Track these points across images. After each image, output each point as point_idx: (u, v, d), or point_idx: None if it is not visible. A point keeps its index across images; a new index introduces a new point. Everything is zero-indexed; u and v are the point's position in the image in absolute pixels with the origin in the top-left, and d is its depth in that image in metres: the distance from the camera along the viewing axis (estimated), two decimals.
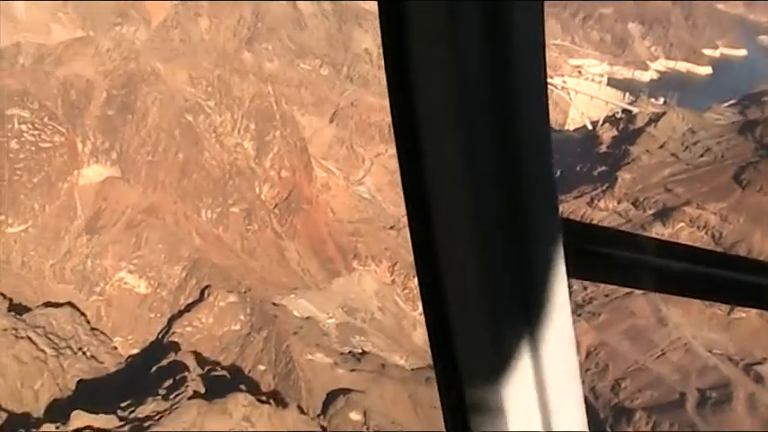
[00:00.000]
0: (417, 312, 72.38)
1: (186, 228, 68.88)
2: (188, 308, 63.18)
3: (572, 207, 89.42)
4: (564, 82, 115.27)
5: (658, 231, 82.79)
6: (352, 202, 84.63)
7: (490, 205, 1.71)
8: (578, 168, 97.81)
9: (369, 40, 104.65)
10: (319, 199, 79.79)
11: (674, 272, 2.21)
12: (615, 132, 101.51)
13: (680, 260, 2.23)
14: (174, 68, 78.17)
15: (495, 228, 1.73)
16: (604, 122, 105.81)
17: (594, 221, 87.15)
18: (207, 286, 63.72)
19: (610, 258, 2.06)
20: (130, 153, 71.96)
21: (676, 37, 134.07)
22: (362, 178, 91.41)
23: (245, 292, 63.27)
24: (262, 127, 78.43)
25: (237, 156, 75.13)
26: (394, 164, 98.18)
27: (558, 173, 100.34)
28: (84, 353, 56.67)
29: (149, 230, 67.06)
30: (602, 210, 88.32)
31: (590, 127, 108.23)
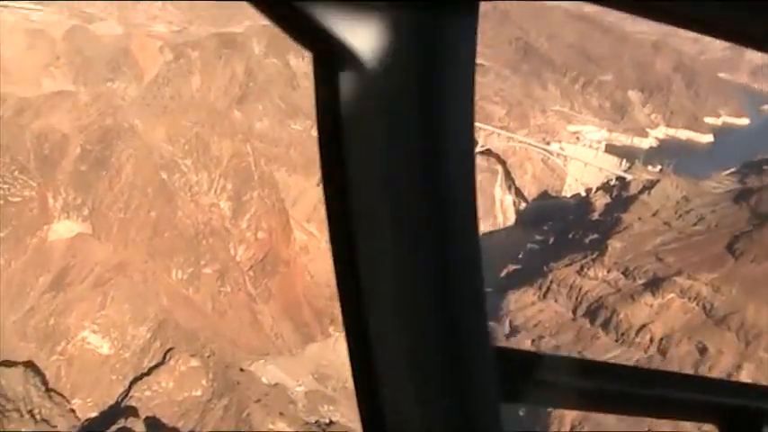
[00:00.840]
0: None
1: (154, 287, 67.30)
2: (150, 371, 61.31)
3: (561, 275, 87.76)
4: (561, 148, 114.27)
5: (648, 301, 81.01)
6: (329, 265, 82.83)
7: (423, 337, 1.71)
8: (570, 236, 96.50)
9: None
10: (297, 261, 78.20)
11: (609, 392, 2.33)
12: (608, 199, 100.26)
13: (612, 380, 2.36)
14: (153, 125, 77.41)
15: (428, 359, 1.74)
16: (598, 189, 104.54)
17: (584, 290, 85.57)
18: (170, 349, 61.93)
19: (542, 383, 2.13)
20: (102, 209, 70.83)
21: (677, 104, 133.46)
22: None
23: (208, 357, 61.38)
24: (239, 187, 77.25)
25: (213, 215, 73.85)
26: None
27: (551, 240, 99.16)
28: (33, 416, 54.68)
29: (116, 289, 65.50)
30: (592, 278, 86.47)
31: (583, 194, 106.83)
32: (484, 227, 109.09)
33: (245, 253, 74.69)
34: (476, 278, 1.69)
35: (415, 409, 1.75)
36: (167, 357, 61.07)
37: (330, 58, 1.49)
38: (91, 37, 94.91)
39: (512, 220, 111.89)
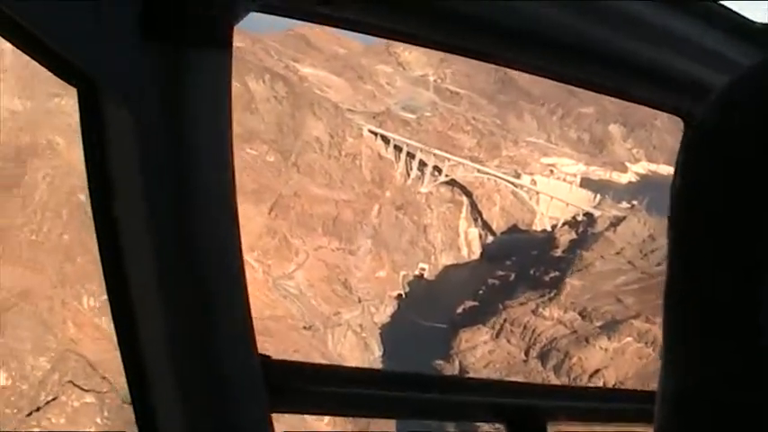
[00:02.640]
0: (324, 421, 66.33)
1: (61, 315, 63.37)
2: (38, 408, 57.35)
3: (516, 314, 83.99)
4: (533, 181, 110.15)
5: (603, 345, 77.25)
6: (270, 297, 79.14)
7: (190, 346, 1.84)
8: (531, 272, 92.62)
9: (321, 128, 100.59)
10: None
11: (391, 398, 2.47)
12: (574, 236, 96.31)
13: (395, 387, 2.52)
14: (75, 143, 73.73)
15: (196, 367, 1.87)
16: (564, 224, 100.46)
17: (538, 331, 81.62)
18: (68, 382, 58.02)
19: (308, 392, 2.26)
20: (13, 231, 67.06)
21: (660, 140, 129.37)
22: (293, 272, 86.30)
23: (105, 392, 57.36)
24: None
25: None
26: (335, 258, 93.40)
27: (512, 276, 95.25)
28: None
29: (19, 316, 61.59)
30: (547, 319, 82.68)
31: (548, 229, 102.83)
32: (446, 260, 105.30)
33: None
34: (239, 292, 1.88)
35: (184, 417, 1.86)
36: (60, 392, 57.26)
37: (92, 93, 1.59)
38: None
39: (477, 253, 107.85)
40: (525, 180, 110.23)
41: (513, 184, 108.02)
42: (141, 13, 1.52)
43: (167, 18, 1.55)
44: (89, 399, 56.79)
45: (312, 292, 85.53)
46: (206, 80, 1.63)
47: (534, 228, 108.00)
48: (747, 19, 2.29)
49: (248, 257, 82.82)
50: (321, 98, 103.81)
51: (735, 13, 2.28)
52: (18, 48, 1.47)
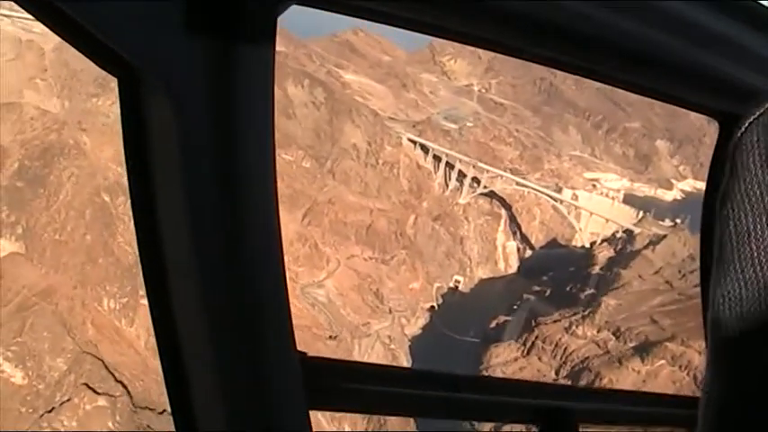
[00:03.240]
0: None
1: (81, 316, 63.10)
2: (52, 409, 57.04)
3: (548, 331, 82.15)
4: (574, 196, 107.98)
5: (636, 367, 75.13)
6: (296, 306, 78.06)
7: (230, 344, 1.84)
8: (567, 289, 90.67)
9: (359, 135, 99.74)
10: None
11: (427, 397, 2.49)
12: (612, 253, 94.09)
13: (431, 386, 2.55)
14: (102, 144, 73.68)
15: (235, 365, 1.87)
16: (603, 241, 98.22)
17: (570, 349, 79.73)
18: (83, 384, 57.65)
19: (344, 389, 2.26)
20: (37, 230, 67.10)
21: (707, 156, 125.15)
22: (323, 280, 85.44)
23: (118, 396, 56.87)
24: None
25: None
26: (367, 268, 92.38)
27: (548, 292, 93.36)
28: None
29: (39, 315, 61.48)
30: (580, 337, 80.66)
31: (587, 245, 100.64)
32: (482, 273, 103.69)
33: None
34: (280, 289, 1.86)
35: (224, 412, 1.88)
36: (74, 394, 56.91)
37: (133, 83, 1.59)
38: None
39: (514, 267, 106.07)
40: (566, 194, 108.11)
41: (552, 198, 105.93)
42: (184, 2, 1.52)
43: (211, 9, 1.55)
44: (102, 402, 56.43)
45: (341, 301, 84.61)
46: (248, 73, 1.63)
47: (574, 243, 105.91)
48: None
49: None
50: (360, 105, 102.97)
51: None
52: (59, 35, 1.47)
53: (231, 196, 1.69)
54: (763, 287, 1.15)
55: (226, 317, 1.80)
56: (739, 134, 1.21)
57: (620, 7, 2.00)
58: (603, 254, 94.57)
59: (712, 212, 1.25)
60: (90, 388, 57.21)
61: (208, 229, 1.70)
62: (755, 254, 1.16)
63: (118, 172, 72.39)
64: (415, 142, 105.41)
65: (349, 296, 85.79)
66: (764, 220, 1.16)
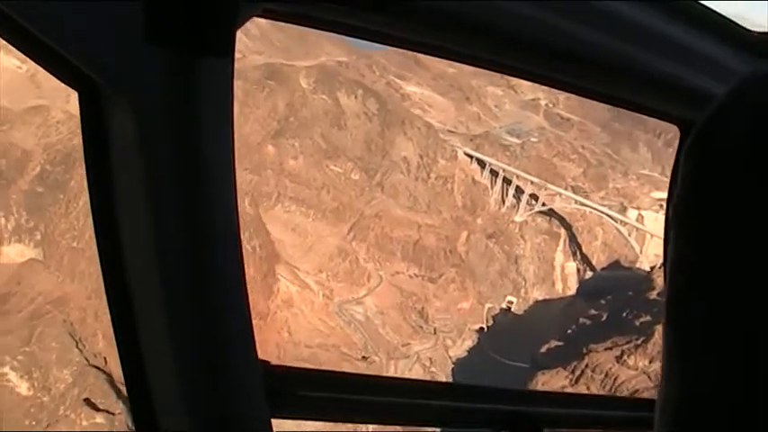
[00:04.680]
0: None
1: (93, 328, 61.09)
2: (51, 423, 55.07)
3: (599, 360, 77.52)
4: (639, 216, 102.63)
5: None
6: (328, 324, 75.21)
7: (191, 352, 1.85)
8: (623, 314, 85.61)
9: (410, 148, 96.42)
10: (276, 315, 70.78)
11: (390, 405, 2.53)
12: None
13: (393, 393, 2.59)
14: None
15: (197, 373, 1.88)
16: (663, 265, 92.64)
17: (620, 380, 75.11)
18: (85, 399, 55.54)
19: (309, 398, 2.29)
20: (55, 236, 65.57)
21: None
22: (362, 297, 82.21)
23: (117, 414, 54.52)
24: None
25: None
26: (412, 285, 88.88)
27: (604, 317, 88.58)
28: None
29: (49, 325, 59.75)
30: (631, 368, 75.80)
31: (647, 269, 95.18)
32: (538, 294, 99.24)
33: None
34: (240, 297, 1.87)
35: (186, 420, 1.88)
36: (72, 409, 54.84)
37: (93, 95, 1.60)
38: None
39: (573, 289, 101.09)
40: (632, 214, 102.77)
41: (612, 218, 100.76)
42: (143, 15, 1.52)
43: (169, 21, 1.55)
44: (99, 419, 54.17)
45: (381, 319, 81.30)
46: (207, 84, 1.64)
47: (637, 266, 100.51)
48: (743, 27, 2.34)
49: (309, 279, 79.60)
50: (414, 117, 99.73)
51: (730, 21, 2.33)
52: (18, 49, 1.47)
53: (193, 207, 1.70)
54: (712, 293, 1.17)
55: (187, 324, 1.80)
56: (689, 141, 1.23)
57: (574, 14, 1.99)
58: (662, 279, 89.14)
59: (668, 219, 1.25)
60: (91, 403, 55.07)
61: (170, 239, 1.71)
62: (703, 261, 1.19)
63: None
64: (471, 156, 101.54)
65: (390, 314, 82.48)
66: (711, 225, 1.18)
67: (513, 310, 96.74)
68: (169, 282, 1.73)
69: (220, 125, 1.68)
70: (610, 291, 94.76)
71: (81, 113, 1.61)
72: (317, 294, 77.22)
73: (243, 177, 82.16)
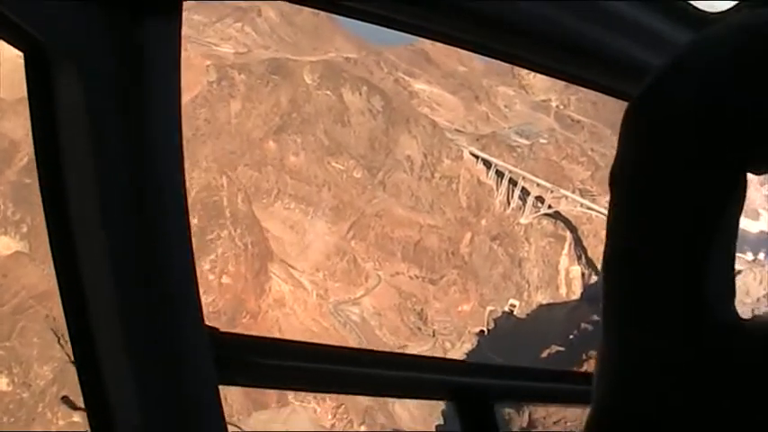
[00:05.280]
0: None
1: None
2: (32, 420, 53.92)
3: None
4: None
5: None
6: (321, 324, 73.94)
7: (138, 318, 1.86)
8: None
9: (415, 146, 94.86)
10: (267, 315, 69.38)
11: (337, 373, 2.53)
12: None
13: (341, 362, 2.60)
14: None
15: (144, 339, 1.89)
16: None
17: None
18: (64, 396, 54.29)
19: (258, 365, 2.30)
20: (42, 229, 64.06)
21: None
22: (359, 298, 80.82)
23: None
24: (205, 224, 69.31)
25: None
26: (411, 286, 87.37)
27: None
28: None
29: (32, 320, 58.58)
30: None
31: None
32: (542, 298, 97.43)
33: (201, 298, 66.55)
34: (186, 264, 1.89)
35: (133, 386, 1.88)
36: (49, 407, 53.63)
37: (38, 56, 1.60)
38: None
39: (577, 293, 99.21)
40: None
41: None
42: None
43: None
44: (76, 418, 52.89)
45: (377, 321, 79.94)
46: (154, 47, 1.64)
47: None
48: (699, 9, 2.37)
49: (304, 278, 78.27)
50: (419, 115, 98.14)
51: (687, 2, 2.37)
52: None
53: (138, 168, 1.71)
54: (643, 263, 1.19)
55: (133, 290, 1.80)
56: (629, 110, 1.25)
57: None
58: None
59: (621, 186, 1.29)
60: (69, 401, 53.83)
61: (114, 201, 1.72)
62: (636, 229, 1.22)
63: None
64: (477, 156, 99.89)
65: (387, 316, 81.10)
66: (649, 194, 1.21)
67: (515, 313, 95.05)
68: (115, 246, 1.72)
69: (166, 87, 1.67)
70: None
71: (27, 74, 1.60)
72: (311, 294, 75.89)
73: (242, 173, 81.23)
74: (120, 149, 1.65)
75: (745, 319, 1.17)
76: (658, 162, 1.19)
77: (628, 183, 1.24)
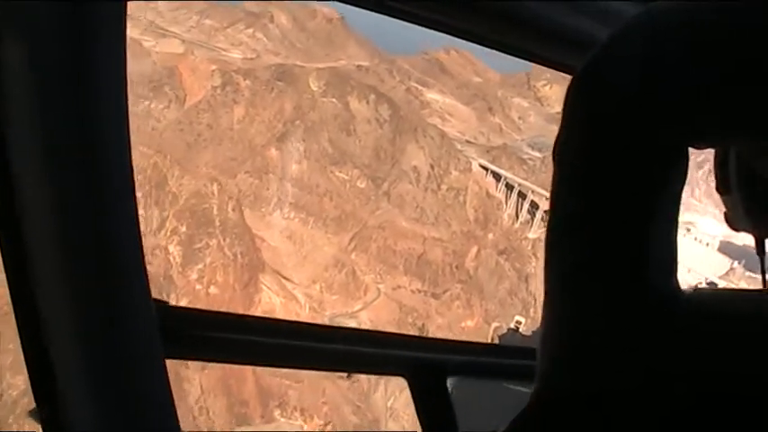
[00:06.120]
0: None
1: None
2: None
3: None
4: None
5: None
6: None
7: (82, 289, 1.87)
8: None
9: (422, 157, 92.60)
10: None
11: (287, 347, 2.51)
12: None
13: (291, 336, 2.57)
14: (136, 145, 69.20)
15: (88, 310, 1.89)
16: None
17: None
18: (33, 408, 52.36)
19: (206, 339, 2.28)
20: None
21: None
22: (357, 311, 78.57)
23: None
24: (194, 232, 67.34)
25: (153, 260, 64.08)
26: (413, 300, 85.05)
27: None
28: None
29: (7, 326, 56.79)
30: None
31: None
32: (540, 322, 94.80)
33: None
34: (132, 236, 1.89)
35: (76, 359, 1.89)
36: (15, 420, 51.70)
37: None
38: (141, 52, 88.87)
39: None
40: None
41: None
42: None
43: None
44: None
45: None
46: (99, 27, 1.63)
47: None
48: None
49: (297, 291, 76.16)
50: (427, 125, 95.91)
51: None
52: None
53: (84, 144, 1.71)
54: (587, 235, 1.22)
55: (77, 262, 1.79)
56: (573, 82, 1.28)
57: None
58: None
59: (564, 156, 1.33)
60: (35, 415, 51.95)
61: (60, 173, 1.72)
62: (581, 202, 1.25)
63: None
64: (486, 169, 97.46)
65: (386, 330, 78.61)
66: (592, 166, 1.23)
67: (521, 330, 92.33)
68: (60, 216, 1.72)
69: (114, 67, 1.67)
70: None
71: None
72: (304, 307, 73.76)
73: (241, 181, 79.45)
74: (66, 126, 1.64)
75: (686, 292, 1.19)
76: (596, 143, 1.20)
77: (569, 162, 1.26)
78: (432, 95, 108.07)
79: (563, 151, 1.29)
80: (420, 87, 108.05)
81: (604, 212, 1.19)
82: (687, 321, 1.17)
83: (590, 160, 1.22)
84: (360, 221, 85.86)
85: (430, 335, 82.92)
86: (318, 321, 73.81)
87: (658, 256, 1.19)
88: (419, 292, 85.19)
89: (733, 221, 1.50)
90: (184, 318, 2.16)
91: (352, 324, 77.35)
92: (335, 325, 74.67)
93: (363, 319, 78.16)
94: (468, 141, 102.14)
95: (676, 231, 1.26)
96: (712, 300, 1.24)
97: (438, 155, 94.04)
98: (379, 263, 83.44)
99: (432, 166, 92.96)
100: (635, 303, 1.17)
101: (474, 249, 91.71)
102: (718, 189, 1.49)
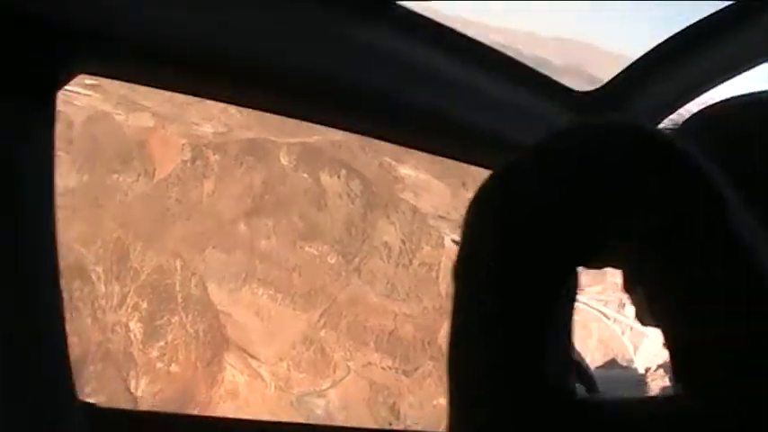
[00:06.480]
0: None
1: None
2: None
3: None
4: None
5: None
6: (280, 417, 69.78)
7: (6, 391, 1.78)
8: None
9: (393, 232, 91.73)
10: (218, 406, 65.67)
11: None
12: (666, 383, 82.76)
13: None
14: (69, 224, 68.12)
15: (14, 414, 1.78)
16: (658, 368, 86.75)
17: None
18: None
19: None
20: None
21: None
22: (326, 390, 76.86)
23: None
24: (155, 308, 66.07)
25: (113, 337, 62.63)
26: (384, 378, 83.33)
27: None
28: None
29: None
30: None
31: (642, 371, 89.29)
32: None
33: (147, 387, 63.09)
34: (59, 338, 1.82)
35: None
36: None
37: None
38: (113, 126, 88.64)
39: None
40: (630, 312, 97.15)
41: (606, 316, 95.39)
42: None
43: None
44: None
45: (345, 414, 75.46)
46: (30, 133, 1.64)
47: (633, 366, 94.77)
48: (566, 86, 2.37)
49: (263, 369, 74.55)
50: (399, 200, 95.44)
51: (553, 80, 2.35)
52: None
53: (10, 240, 1.67)
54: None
55: (2, 362, 1.72)
56: (483, 185, 1.32)
57: (383, 61, 1.98)
58: (656, 383, 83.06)
59: (462, 271, 1.35)
60: None
61: None
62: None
63: (81, 253, 66.63)
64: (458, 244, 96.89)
65: (356, 409, 76.78)
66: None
67: None
68: None
69: (41, 177, 1.66)
70: (604, 390, 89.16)
71: None
72: (269, 386, 72.16)
73: (210, 256, 78.39)
74: None
75: (581, 396, 1.21)
76: (495, 256, 1.19)
77: (471, 273, 1.24)
78: (405, 171, 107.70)
79: (467, 264, 1.25)
80: (393, 163, 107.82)
81: (518, 312, 1.18)
82: (580, 423, 1.17)
83: (490, 275, 1.19)
84: (329, 297, 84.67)
85: (401, 413, 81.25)
86: (284, 400, 72.32)
87: (554, 359, 1.17)
88: (390, 369, 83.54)
89: (641, 318, 1.47)
90: (117, 419, 2.05)
91: (320, 402, 75.99)
92: (301, 405, 73.20)
93: (332, 398, 76.73)
94: (440, 216, 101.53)
95: (571, 336, 1.24)
96: (610, 405, 1.23)
97: (409, 230, 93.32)
98: (349, 339, 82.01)
99: (403, 242, 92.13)
100: (544, 410, 1.15)
101: (446, 325, 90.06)
102: (624, 287, 1.45)
